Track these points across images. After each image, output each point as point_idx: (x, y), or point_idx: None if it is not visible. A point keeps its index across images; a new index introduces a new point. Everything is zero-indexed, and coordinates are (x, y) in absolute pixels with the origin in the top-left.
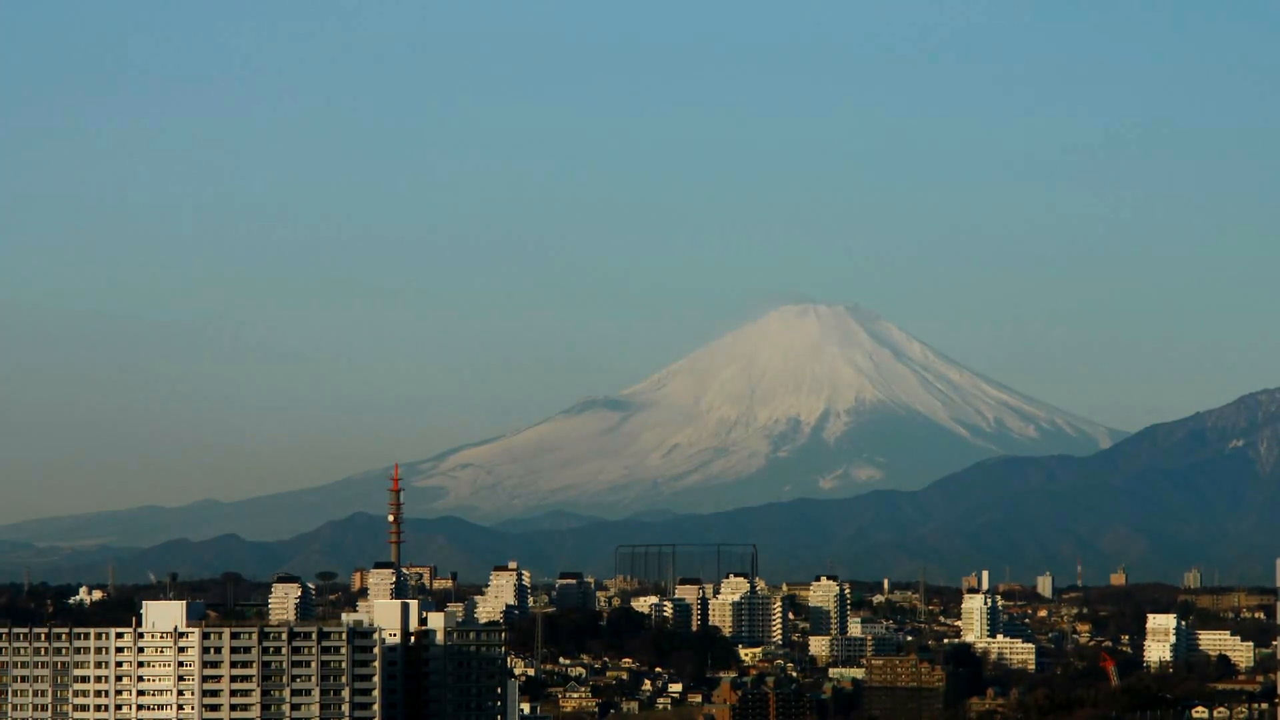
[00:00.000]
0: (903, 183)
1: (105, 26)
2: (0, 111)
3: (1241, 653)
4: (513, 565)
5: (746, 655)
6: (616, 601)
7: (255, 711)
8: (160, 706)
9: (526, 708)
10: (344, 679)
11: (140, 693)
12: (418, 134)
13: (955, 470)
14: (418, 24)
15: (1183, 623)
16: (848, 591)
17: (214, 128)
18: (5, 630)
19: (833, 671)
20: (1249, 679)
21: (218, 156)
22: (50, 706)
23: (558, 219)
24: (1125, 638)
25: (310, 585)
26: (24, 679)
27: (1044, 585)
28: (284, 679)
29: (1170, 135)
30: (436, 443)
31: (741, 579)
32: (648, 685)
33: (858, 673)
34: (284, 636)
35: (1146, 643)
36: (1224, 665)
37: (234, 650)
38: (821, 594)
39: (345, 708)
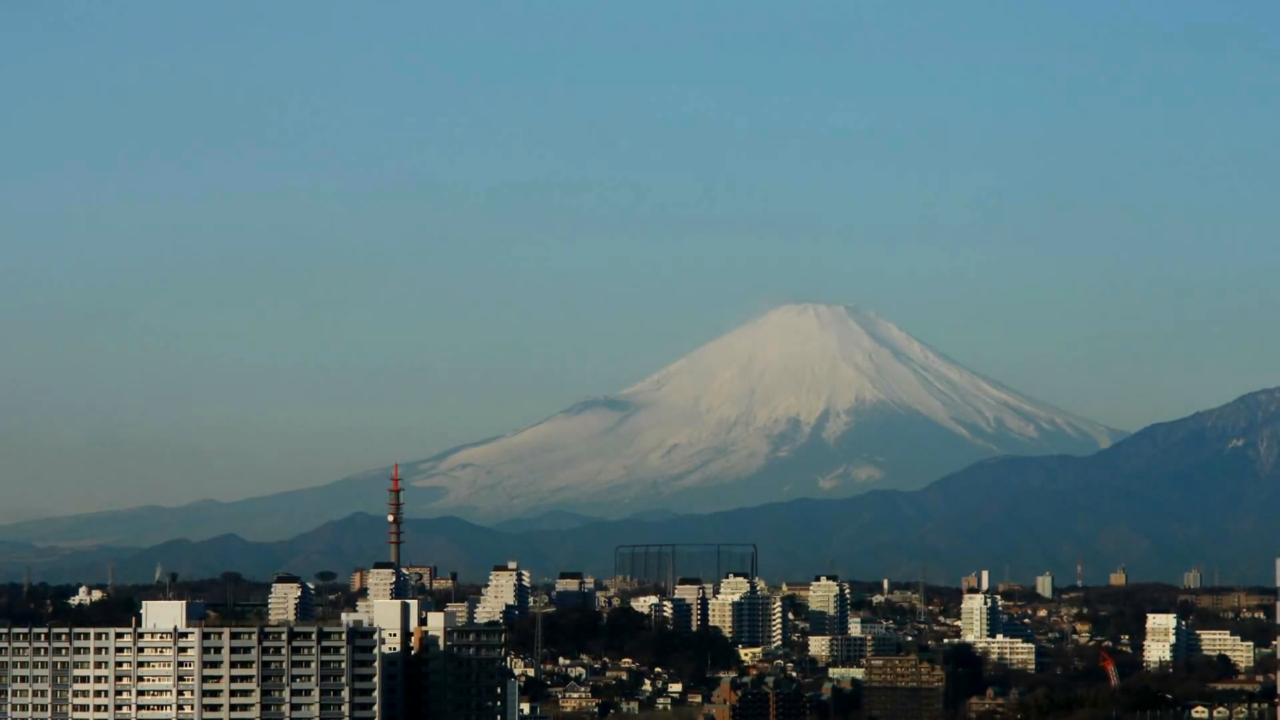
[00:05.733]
0: (902, 182)
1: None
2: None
3: (1241, 653)
4: (512, 565)
5: (746, 655)
6: (616, 601)
7: (255, 712)
8: (160, 706)
9: (526, 708)
10: (344, 679)
11: (140, 693)
12: (413, 134)
13: (955, 470)
14: (405, 23)
15: (1183, 623)
16: (848, 591)
17: (201, 126)
18: (5, 630)
19: (833, 671)
20: (1249, 679)
21: (215, 155)
22: (50, 706)
23: (557, 218)
24: (1125, 638)
25: (310, 585)
26: (24, 679)
27: (1044, 585)
28: (284, 679)
29: (1170, 134)
30: (436, 443)
31: (741, 579)
32: (648, 685)
33: (858, 673)
34: (284, 637)
35: (1146, 643)
36: (1224, 665)
37: (234, 650)
38: (821, 594)
39: (345, 708)
